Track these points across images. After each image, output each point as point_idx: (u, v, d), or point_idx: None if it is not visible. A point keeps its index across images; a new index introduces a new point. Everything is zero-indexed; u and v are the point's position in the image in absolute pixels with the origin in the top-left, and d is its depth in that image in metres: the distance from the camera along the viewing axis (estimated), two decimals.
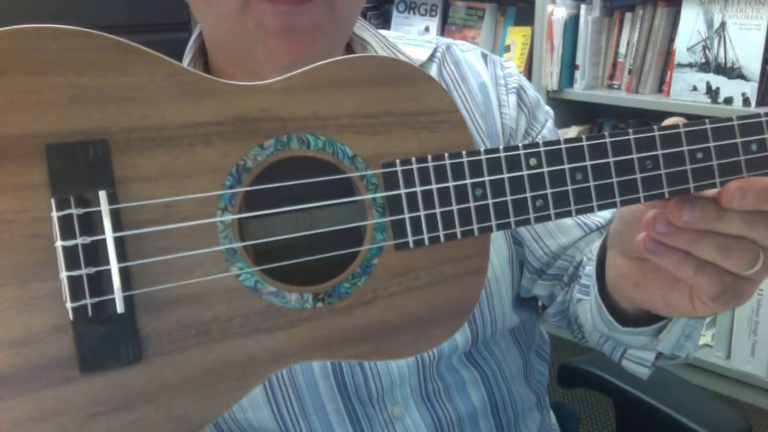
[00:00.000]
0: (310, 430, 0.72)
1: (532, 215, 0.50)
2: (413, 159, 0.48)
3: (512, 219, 0.49)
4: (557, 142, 0.50)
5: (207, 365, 0.44)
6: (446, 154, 0.49)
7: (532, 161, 0.50)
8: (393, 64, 0.50)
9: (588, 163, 0.50)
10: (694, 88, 2.11)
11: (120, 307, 0.42)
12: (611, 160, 0.50)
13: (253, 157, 0.47)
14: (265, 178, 0.47)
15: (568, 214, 0.50)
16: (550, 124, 0.83)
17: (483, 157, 0.49)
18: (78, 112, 0.43)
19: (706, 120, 0.52)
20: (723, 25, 2.04)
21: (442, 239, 0.49)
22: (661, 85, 2.23)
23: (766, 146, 0.52)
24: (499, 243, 0.77)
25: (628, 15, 2.27)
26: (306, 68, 0.49)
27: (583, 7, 2.29)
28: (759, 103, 2.01)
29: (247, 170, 0.46)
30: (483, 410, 0.79)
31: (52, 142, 0.42)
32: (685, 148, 0.51)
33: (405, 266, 0.49)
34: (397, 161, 0.48)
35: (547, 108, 0.84)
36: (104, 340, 0.42)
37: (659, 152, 0.51)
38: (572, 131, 2.40)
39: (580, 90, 2.33)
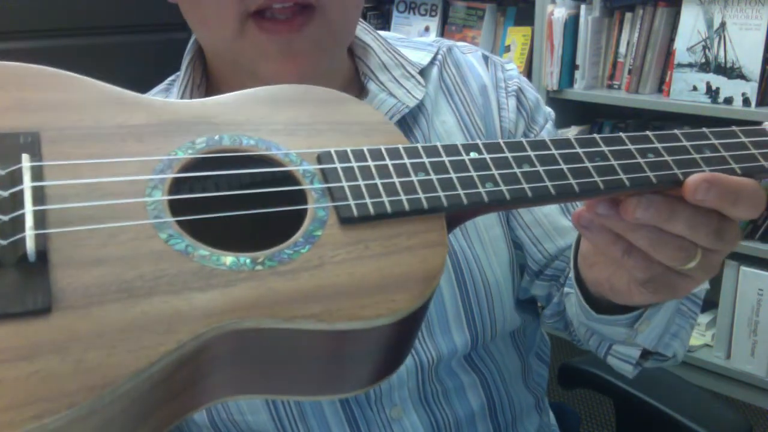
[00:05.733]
0: None
1: (482, 190, 0.49)
2: (348, 149, 0.49)
3: (461, 191, 0.48)
4: (497, 139, 0.51)
5: (128, 319, 0.41)
6: (382, 146, 0.50)
7: (473, 154, 0.50)
8: (322, 91, 0.53)
9: (531, 153, 0.51)
10: (694, 88, 2.11)
11: (30, 245, 0.41)
12: (555, 152, 0.51)
13: (185, 150, 0.48)
14: (197, 168, 0.48)
15: (523, 192, 0.49)
16: (549, 125, 0.83)
17: (419, 145, 0.50)
18: (15, 115, 0.46)
19: (648, 131, 0.53)
20: (723, 25, 2.04)
21: (387, 208, 0.47)
22: (661, 85, 2.23)
23: (717, 149, 0.53)
24: (500, 247, 0.77)
25: (628, 15, 2.27)
26: (236, 92, 0.52)
27: (583, 7, 2.29)
28: (759, 104, 2.01)
29: (178, 159, 0.47)
30: (481, 413, 0.79)
31: None
32: (631, 146, 0.52)
33: (353, 239, 0.47)
34: (332, 149, 0.49)
35: (548, 110, 0.84)
36: (12, 288, 0.40)
37: (605, 148, 0.52)
38: (572, 131, 2.40)
39: (580, 90, 2.34)
